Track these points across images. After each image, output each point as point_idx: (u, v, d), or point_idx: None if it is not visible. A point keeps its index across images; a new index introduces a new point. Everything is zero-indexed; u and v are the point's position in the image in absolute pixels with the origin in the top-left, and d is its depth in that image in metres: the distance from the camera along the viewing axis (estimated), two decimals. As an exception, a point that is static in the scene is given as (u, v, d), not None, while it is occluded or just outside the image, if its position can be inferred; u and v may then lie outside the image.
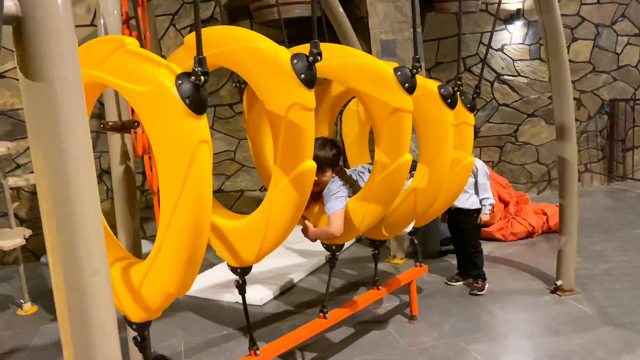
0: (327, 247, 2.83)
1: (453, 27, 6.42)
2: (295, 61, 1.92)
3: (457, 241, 4.13)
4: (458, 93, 3.05)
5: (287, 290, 4.25)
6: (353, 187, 2.81)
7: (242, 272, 2.38)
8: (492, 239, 5.16)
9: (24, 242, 3.85)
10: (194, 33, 2.21)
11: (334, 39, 4.38)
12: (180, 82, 1.50)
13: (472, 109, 3.07)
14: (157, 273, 1.67)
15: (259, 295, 4.01)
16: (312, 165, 2.02)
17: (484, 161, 4.64)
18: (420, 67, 2.46)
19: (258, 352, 2.52)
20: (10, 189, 4.14)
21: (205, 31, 2.21)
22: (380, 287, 3.29)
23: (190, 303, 4.07)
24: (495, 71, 6.68)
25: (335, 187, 2.73)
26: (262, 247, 2.13)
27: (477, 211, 3.93)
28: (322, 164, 2.69)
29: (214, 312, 3.92)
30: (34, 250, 5.35)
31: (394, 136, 2.42)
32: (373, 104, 2.43)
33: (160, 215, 1.60)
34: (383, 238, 3.21)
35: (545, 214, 5.36)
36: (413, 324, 3.52)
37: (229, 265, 2.40)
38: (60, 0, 1.08)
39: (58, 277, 1.17)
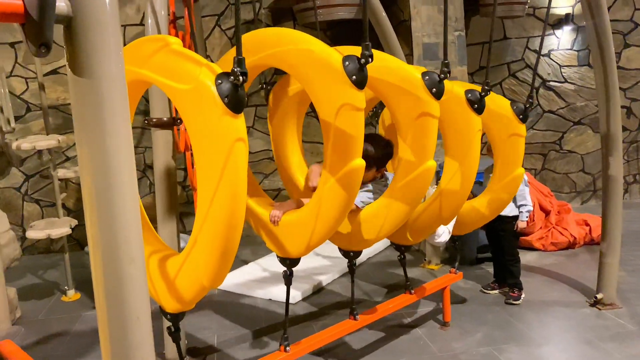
0: (345, 253, 2.83)
1: (498, 31, 6.32)
2: (347, 63, 1.96)
3: (495, 249, 4.07)
4: (507, 102, 2.99)
5: (319, 290, 4.28)
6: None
7: (290, 263, 2.47)
8: (532, 248, 5.04)
9: (70, 231, 4.02)
10: (247, 34, 2.28)
11: (375, 41, 4.38)
12: (219, 81, 1.55)
13: (524, 119, 2.98)
14: (192, 266, 1.73)
15: (292, 293, 4.04)
16: (361, 163, 2.05)
17: (525, 169, 4.54)
18: (449, 72, 2.42)
19: (288, 348, 2.56)
20: (60, 180, 4.33)
21: (258, 33, 2.28)
22: (412, 291, 3.27)
23: (224, 298, 4.16)
24: (541, 77, 6.52)
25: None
26: (311, 241, 2.21)
27: (515, 218, 3.86)
28: (369, 161, 2.56)
29: (247, 307, 3.99)
30: (79, 239, 5.57)
31: (419, 141, 2.40)
32: (399, 108, 2.43)
33: (197, 210, 1.66)
34: (408, 243, 3.19)
35: (588, 224, 5.20)
36: (445, 330, 3.48)
37: (278, 257, 2.48)
38: (108, 1, 1.14)
39: (97, 264, 1.23)
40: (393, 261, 4.94)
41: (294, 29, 6.03)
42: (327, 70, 2.01)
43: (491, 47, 2.92)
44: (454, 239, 3.35)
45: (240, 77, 1.55)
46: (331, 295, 4.18)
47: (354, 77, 1.97)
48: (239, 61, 1.55)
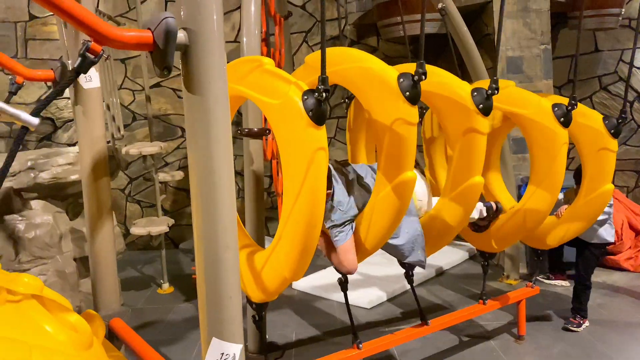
0: (402, 264, 2.90)
1: (589, 44, 6.13)
2: (401, 80, 2.11)
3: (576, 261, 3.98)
4: (599, 116, 2.98)
5: (394, 297, 4.39)
6: (357, 190, 2.53)
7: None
8: (619, 268, 4.84)
9: (167, 229, 4.43)
10: (313, 53, 2.49)
11: (457, 54, 4.45)
12: (305, 97, 1.78)
13: (616, 134, 2.95)
14: (276, 260, 1.96)
15: (368, 298, 4.20)
16: (412, 175, 2.18)
17: (617, 186, 4.39)
18: (497, 89, 2.44)
19: (360, 346, 2.71)
20: (160, 183, 4.78)
21: (327, 51, 2.48)
22: (485, 302, 3.31)
23: (304, 299, 4.38)
24: (636, 90, 6.23)
25: (337, 216, 2.37)
26: (362, 250, 2.33)
27: (596, 246, 3.72)
28: None
29: (324, 309, 4.18)
30: (173, 238, 6.05)
31: (465, 157, 2.45)
32: (449, 123, 2.51)
33: (282, 210, 1.88)
34: (493, 250, 3.24)
35: (683, 246, 4.90)
36: (520, 343, 3.48)
37: (333, 265, 2.64)
38: (217, 33, 1.39)
39: (199, 250, 1.47)
40: (471, 274, 4.95)
41: (378, 44, 6.22)
42: (383, 86, 2.15)
43: (577, 60, 2.92)
44: (537, 252, 3.35)
45: (324, 94, 1.76)
46: (408, 302, 4.27)
47: (407, 93, 2.10)
48: (323, 79, 1.76)
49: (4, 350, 1.36)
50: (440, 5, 4.08)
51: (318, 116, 1.77)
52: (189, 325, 3.93)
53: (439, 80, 2.46)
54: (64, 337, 1.53)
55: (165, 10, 5.94)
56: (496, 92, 2.44)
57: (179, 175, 4.80)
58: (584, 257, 3.78)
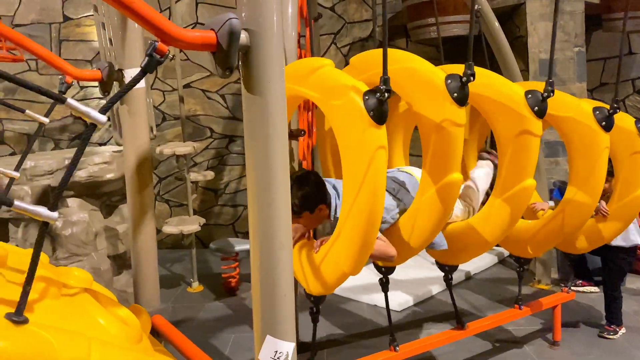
0: (441, 267, 2.92)
1: (625, 46, 6.02)
2: (449, 81, 2.11)
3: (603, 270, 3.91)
4: (631, 119, 2.94)
5: (424, 300, 4.37)
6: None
7: (386, 271, 2.63)
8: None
9: (199, 228, 4.48)
10: (358, 55, 2.51)
11: (490, 56, 4.42)
12: (367, 97, 1.81)
13: None
14: (335, 255, 2.00)
15: (398, 300, 4.19)
16: (458, 177, 2.17)
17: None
18: (553, 91, 2.42)
19: (397, 348, 2.70)
20: (191, 182, 4.83)
21: (367, 54, 2.50)
22: (522, 306, 3.27)
23: (333, 300, 4.38)
24: (670, 94, 6.12)
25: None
26: (406, 249, 2.33)
27: (625, 250, 3.64)
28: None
29: (354, 311, 4.18)
30: (202, 238, 6.11)
31: (518, 160, 2.42)
32: (500, 125, 2.49)
33: (342, 207, 1.92)
34: (528, 256, 3.21)
35: None
36: (554, 349, 3.43)
37: (374, 265, 2.64)
38: (277, 34, 1.40)
39: (255, 248, 1.49)
40: (500, 278, 4.90)
41: (407, 46, 6.20)
42: (430, 87, 2.15)
43: (621, 62, 2.88)
44: (570, 257, 3.31)
45: (385, 94, 1.78)
46: (437, 306, 4.25)
47: (456, 94, 2.11)
48: (385, 80, 1.79)
49: (65, 342, 1.39)
50: (476, 7, 4.05)
51: (379, 116, 1.82)
52: (220, 324, 3.96)
53: (488, 82, 2.45)
54: (116, 330, 1.56)
55: (196, 12, 6.01)
56: (552, 94, 2.41)
57: (210, 175, 4.85)
58: (609, 266, 3.70)
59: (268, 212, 1.44)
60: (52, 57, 2.31)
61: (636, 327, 3.70)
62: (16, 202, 1.24)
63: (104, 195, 4.29)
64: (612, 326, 3.64)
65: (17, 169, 2.10)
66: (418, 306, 4.26)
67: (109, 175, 3.99)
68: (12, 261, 1.55)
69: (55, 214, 1.30)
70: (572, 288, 4.02)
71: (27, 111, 2.12)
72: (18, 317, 1.21)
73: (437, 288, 4.53)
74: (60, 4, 5.98)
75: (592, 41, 5.89)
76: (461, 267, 4.77)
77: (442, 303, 4.31)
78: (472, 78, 2.09)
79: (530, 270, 4.86)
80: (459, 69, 2.17)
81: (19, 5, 5.93)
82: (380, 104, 1.82)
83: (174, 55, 4.30)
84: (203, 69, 6.02)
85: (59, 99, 1.24)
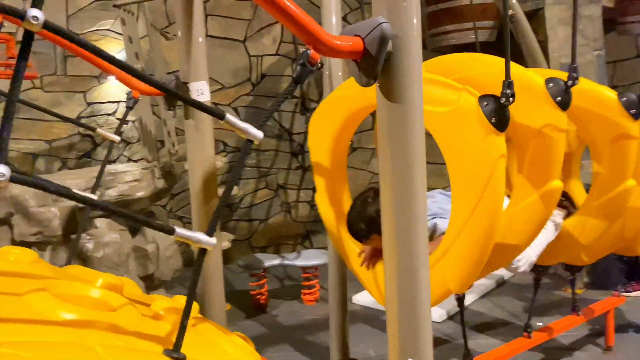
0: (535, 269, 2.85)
1: (632, 49, 6.11)
2: (550, 84, 2.05)
3: None
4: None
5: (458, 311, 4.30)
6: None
7: None
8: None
9: (229, 245, 4.35)
10: (432, 60, 2.43)
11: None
12: (485, 103, 1.72)
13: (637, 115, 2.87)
14: (441, 272, 1.88)
15: (438, 312, 4.11)
16: (559, 185, 2.10)
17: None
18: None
19: (472, 363, 2.62)
20: (214, 198, 4.70)
21: (445, 58, 2.42)
22: (579, 313, 3.22)
23: (368, 314, 4.28)
24: (678, 95, 6.20)
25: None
26: (496, 261, 2.25)
27: None
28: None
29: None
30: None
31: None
32: (593, 130, 2.44)
33: (451, 222, 1.80)
34: (581, 263, 3.15)
35: None
36: (609, 355, 3.39)
37: None
38: (417, 39, 1.32)
39: (391, 266, 1.39)
40: (530, 285, 4.86)
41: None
42: (529, 91, 2.08)
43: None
44: (622, 258, 3.27)
45: (510, 98, 1.70)
46: (473, 316, 4.18)
47: (559, 98, 2.05)
48: (509, 84, 1.71)
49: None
50: (510, 12, 4.05)
51: (502, 122, 1.73)
52: (259, 344, 3.79)
53: (579, 87, 2.39)
54: (241, 357, 1.47)
55: (206, 24, 5.90)
56: (577, 82, 2.32)
57: (235, 190, 4.73)
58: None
59: (408, 228, 1.35)
60: (117, 71, 2.21)
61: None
62: (178, 230, 1.13)
63: (130, 215, 4.14)
64: None
65: (93, 191, 1.99)
66: (455, 317, 4.18)
67: (140, 194, 3.86)
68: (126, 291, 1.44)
69: (214, 240, 1.20)
70: (622, 293, 3.98)
71: (97, 129, 2.00)
72: (178, 354, 1.10)
73: (470, 298, 4.46)
74: (64, 20, 5.82)
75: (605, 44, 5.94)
76: (493, 272, 4.76)
77: (476, 313, 4.25)
78: (576, 82, 2.04)
79: (559, 274, 4.83)
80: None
81: (23, 21, 5.76)
82: (503, 109, 1.74)
83: (322, 64, 4.10)
84: (215, 82, 5.90)
85: (219, 115, 1.14)
